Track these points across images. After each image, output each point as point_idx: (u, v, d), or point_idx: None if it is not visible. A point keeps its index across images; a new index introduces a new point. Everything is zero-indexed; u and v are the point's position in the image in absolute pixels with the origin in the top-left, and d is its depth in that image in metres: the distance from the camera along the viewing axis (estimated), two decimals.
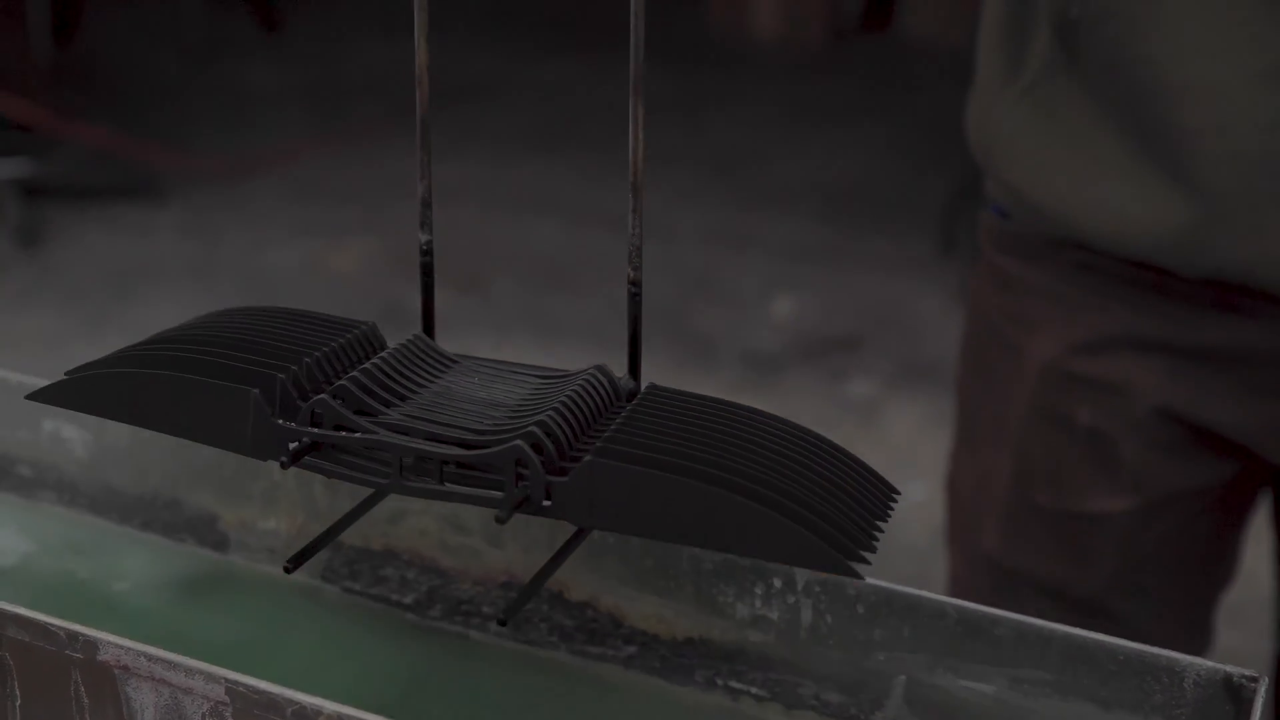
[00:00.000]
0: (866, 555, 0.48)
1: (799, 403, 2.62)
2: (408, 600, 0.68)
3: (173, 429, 0.54)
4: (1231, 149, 0.78)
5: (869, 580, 0.57)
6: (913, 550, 1.79)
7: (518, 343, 2.76)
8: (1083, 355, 0.89)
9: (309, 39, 4.81)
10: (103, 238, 3.19)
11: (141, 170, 3.46)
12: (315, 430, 0.52)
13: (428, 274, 0.60)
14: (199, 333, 0.57)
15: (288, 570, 0.53)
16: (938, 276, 3.07)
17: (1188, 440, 0.89)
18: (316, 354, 0.55)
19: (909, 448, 2.44)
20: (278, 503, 0.72)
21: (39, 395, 0.58)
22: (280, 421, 0.52)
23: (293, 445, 0.52)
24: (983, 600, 0.60)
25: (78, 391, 0.56)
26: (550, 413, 0.52)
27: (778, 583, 0.62)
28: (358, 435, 0.52)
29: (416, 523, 0.69)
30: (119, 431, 0.75)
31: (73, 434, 0.76)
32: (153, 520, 0.74)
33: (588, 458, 0.49)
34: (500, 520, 0.49)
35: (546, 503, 0.50)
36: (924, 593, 0.60)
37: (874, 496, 0.53)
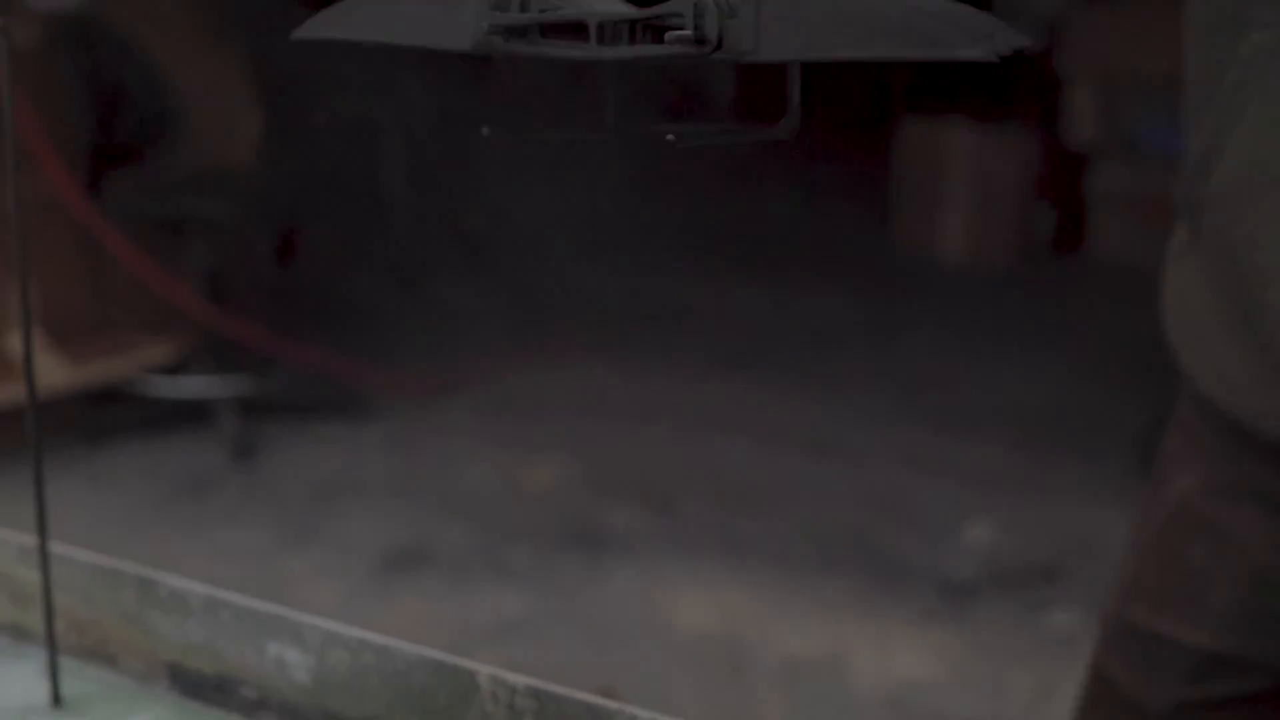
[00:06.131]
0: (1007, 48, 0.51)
1: (995, 634, 2.55)
2: None
3: (410, 38, 0.62)
4: None
5: None
6: None
7: (707, 565, 2.76)
8: (1210, 498, 0.95)
9: (506, 260, 5.01)
10: (309, 452, 3.32)
11: (349, 388, 3.61)
12: (526, 14, 0.59)
13: None
14: None
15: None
16: (1140, 504, 2.99)
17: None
18: None
19: None
20: None
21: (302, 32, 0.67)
22: (496, 11, 0.60)
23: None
24: None
25: (324, 24, 0.66)
26: None
27: None
28: (561, 9, 0.59)
29: None
30: (339, 657, 0.78)
31: (296, 658, 0.79)
32: None
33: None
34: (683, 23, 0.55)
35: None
36: None
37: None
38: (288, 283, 4.34)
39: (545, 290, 4.66)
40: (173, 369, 3.44)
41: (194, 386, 3.40)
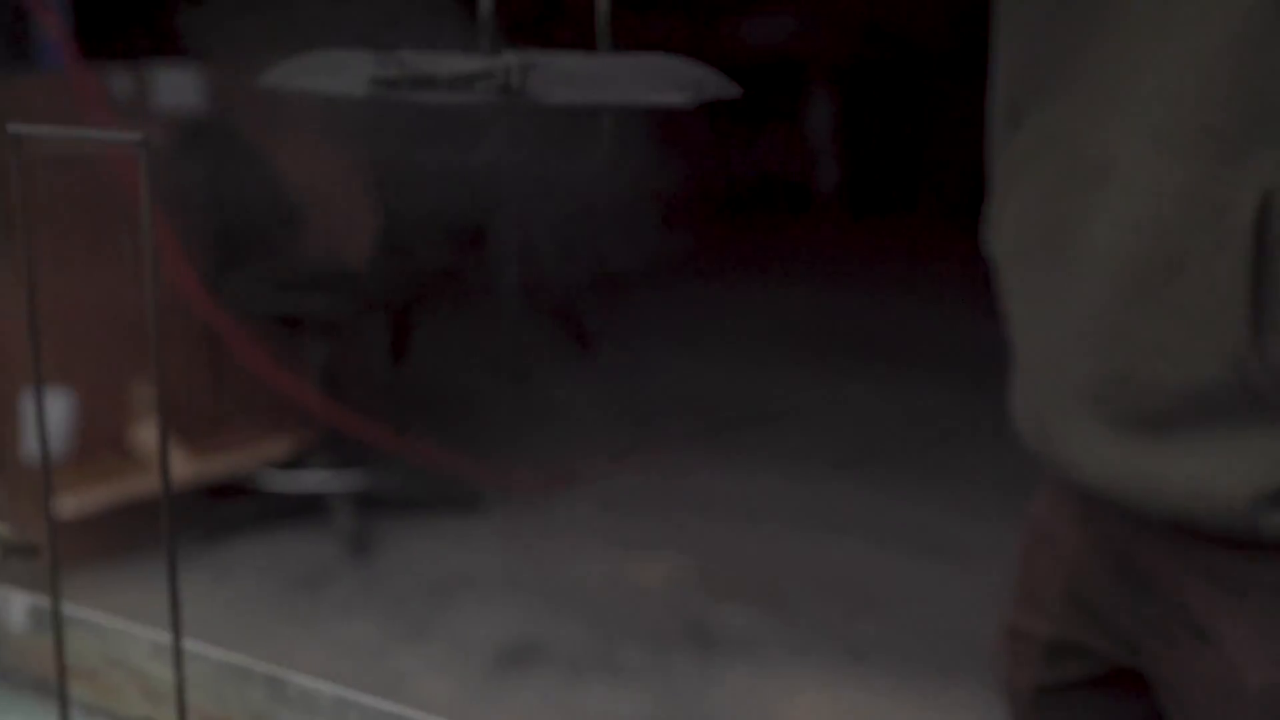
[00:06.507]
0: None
1: None
2: None
3: (326, 88, 0.80)
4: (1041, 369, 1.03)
5: None
6: None
7: (821, 666, 2.72)
8: (1050, 514, 1.13)
9: (618, 357, 5.03)
10: (424, 547, 3.34)
11: (462, 484, 3.64)
12: (404, 67, 0.76)
13: None
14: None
15: None
16: None
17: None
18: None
19: None
20: None
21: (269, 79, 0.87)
22: (378, 67, 0.79)
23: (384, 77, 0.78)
24: None
25: (290, 74, 0.83)
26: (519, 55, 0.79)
27: None
28: (423, 68, 0.77)
29: None
30: None
31: None
32: None
33: (540, 60, 0.74)
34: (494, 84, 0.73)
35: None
36: None
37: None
38: (404, 379, 4.41)
39: (653, 385, 4.67)
40: (290, 464, 3.49)
41: (311, 481, 3.45)
